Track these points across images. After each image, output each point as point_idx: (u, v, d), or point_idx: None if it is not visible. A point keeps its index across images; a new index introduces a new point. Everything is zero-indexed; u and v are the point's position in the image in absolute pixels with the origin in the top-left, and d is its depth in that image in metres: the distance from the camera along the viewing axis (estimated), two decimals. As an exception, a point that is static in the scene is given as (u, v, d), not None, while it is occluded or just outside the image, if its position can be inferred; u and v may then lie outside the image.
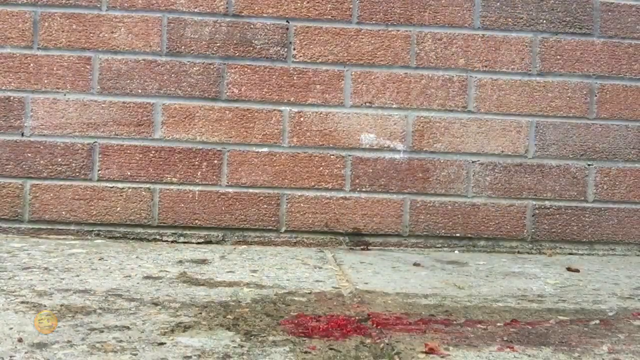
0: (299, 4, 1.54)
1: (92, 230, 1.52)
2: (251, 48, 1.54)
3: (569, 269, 1.29)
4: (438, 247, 1.54)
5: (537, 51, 1.56)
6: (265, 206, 1.53)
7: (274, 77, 1.54)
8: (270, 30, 1.54)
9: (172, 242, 1.51)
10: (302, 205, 1.53)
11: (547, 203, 1.56)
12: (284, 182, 1.54)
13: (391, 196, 1.54)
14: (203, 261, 1.24)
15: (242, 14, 1.54)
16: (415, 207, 1.54)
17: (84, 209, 1.52)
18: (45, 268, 1.08)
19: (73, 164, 1.52)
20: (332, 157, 1.54)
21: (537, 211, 1.56)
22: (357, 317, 0.81)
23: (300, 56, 1.54)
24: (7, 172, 1.51)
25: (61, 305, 0.82)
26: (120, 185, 1.52)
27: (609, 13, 1.57)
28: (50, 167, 1.52)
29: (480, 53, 1.55)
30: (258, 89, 1.54)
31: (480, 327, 0.78)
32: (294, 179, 1.54)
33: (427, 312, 0.86)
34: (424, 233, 1.54)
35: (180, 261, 1.23)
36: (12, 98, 1.52)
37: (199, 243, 1.51)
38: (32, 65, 1.52)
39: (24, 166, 1.52)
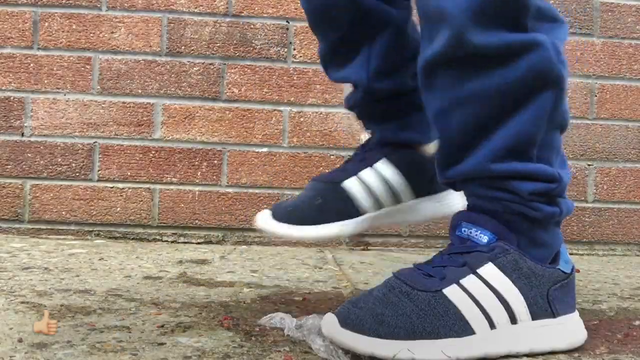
0: (299, 4, 1.54)
1: (92, 230, 1.52)
2: (251, 48, 1.54)
3: (569, 269, 1.29)
4: (438, 247, 1.53)
5: (537, 51, 1.56)
6: (265, 206, 1.53)
7: (274, 77, 1.54)
8: (270, 30, 1.54)
9: (172, 242, 1.51)
10: (302, 205, 1.53)
11: (547, 203, 1.56)
12: (284, 182, 1.54)
13: (391, 196, 1.54)
14: (203, 261, 1.24)
15: (242, 14, 1.54)
16: (415, 207, 1.54)
17: (84, 209, 1.52)
18: (45, 268, 1.08)
19: (73, 164, 1.52)
20: (332, 157, 1.54)
21: (537, 211, 1.56)
22: (357, 317, 0.80)
23: (300, 56, 1.54)
24: (7, 172, 1.51)
25: (61, 305, 0.82)
26: (120, 185, 1.52)
27: (609, 13, 1.57)
28: (50, 167, 1.52)
29: (480, 53, 1.55)
30: (258, 89, 1.54)
31: (480, 327, 0.78)
32: (294, 179, 1.54)
33: (427, 312, 0.86)
34: (424, 233, 1.54)
35: (180, 261, 1.23)
36: (12, 98, 1.52)
37: (199, 243, 1.51)
38: (32, 65, 1.52)
39: (24, 166, 1.52)
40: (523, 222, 0.68)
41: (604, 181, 1.57)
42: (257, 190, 1.54)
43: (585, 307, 0.92)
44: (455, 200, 0.83)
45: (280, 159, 1.54)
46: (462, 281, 0.65)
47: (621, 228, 1.57)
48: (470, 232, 0.68)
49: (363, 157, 0.82)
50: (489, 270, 0.65)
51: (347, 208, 0.78)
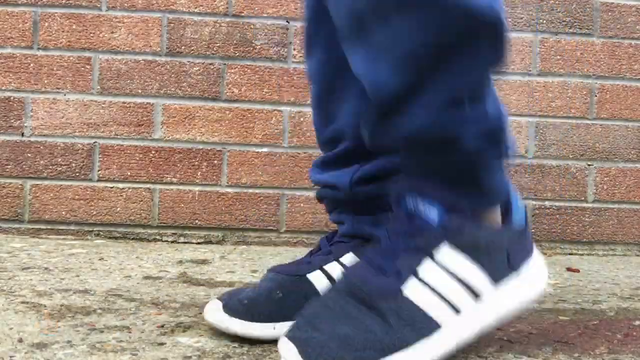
0: (299, 4, 1.54)
1: (92, 230, 1.52)
2: (251, 48, 1.54)
3: (568, 269, 1.29)
4: (438, 247, 1.53)
5: (537, 51, 1.56)
6: (265, 206, 1.54)
7: (274, 77, 1.54)
8: (270, 30, 1.54)
9: (172, 242, 1.51)
10: (302, 205, 1.54)
11: (547, 203, 1.56)
12: (284, 182, 1.54)
13: (391, 196, 1.54)
14: (203, 261, 1.24)
15: (242, 14, 1.54)
16: (415, 207, 1.54)
17: (84, 209, 1.52)
18: (45, 268, 1.08)
19: (73, 164, 1.52)
20: (332, 157, 1.54)
21: (537, 211, 1.56)
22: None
23: (300, 56, 1.54)
24: (7, 172, 1.51)
25: (61, 306, 0.82)
26: (120, 185, 1.52)
27: (609, 13, 1.57)
28: (50, 167, 1.52)
29: (480, 53, 1.55)
30: (258, 89, 1.54)
31: (480, 327, 0.78)
32: (294, 179, 1.54)
33: (427, 312, 0.86)
34: None
35: (180, 261, 1.23)
36: (12, 98, 1.52)
37: (199, 243, 1.51)
38: (32, 65, 1.52)
39: (24, 166, 1.52)
40: (469, 173, 0.63)
41: (604, 181, 1.57)
42: (257, 190, 1.54)
43: (585, 307, 0.92)
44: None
45: (280, 159, 1.54)
46: (420, 270, 0.60)
47: (621, 228, 1.57)
48: (417, 206, 0.63)
49: (329, 250, 0.78)
50: (446, 253, 0.61)
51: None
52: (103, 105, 1.53)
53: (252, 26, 1.54)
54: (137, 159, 1.53)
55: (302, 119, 1.54)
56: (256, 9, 1.54)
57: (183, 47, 1.54)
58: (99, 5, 1.53)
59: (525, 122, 1.56)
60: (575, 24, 1.57)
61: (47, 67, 1.52)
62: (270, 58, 1.54)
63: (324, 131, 0.82)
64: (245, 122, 1.54)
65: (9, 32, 1.52)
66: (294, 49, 1.54)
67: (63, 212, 1.52)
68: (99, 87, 1.53)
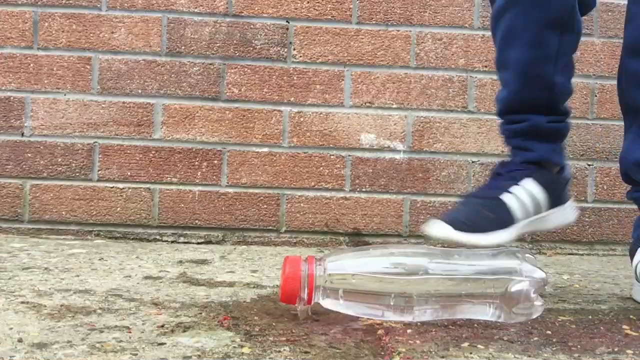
0: (299, 4, 1.54)
1: (92, 230, 1.52)
2: (251, 48, 1.54)
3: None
4: (438, 246, 1.53)
5: (537, 51, 1.56)
6: (265, 206, 1.54)
7: (274, 77, 1.54)
8: (270, 30, 1.54)
9: (172, 242, 1.51)
10: (302, 205, 1.54)
11: (547, 203, 1.56)
12: (284, 182, 1.54)
13: (391, 196, 1.54)
14: (203, 261, 1.24)
15: (242, 14, 1.54)
16: (415, 207, 1.54)
17: (84, 209, 1.52)
18: (45, 268, 1.08)
19: (73, 164, 1.52)
20: (332, 157, 1.54)
21: (537, 211, 1.56)
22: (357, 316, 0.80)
23: (300, 56, 1.54)
24: (7, 172, 1.51)
25: (61, 306, 0.82)
26: (120, 185, 1.52)
27: (609, 13, 1.57)
28: (50, 167, 1.52)
29: (480, 53, 1.55)
30: (258, 89, 1.54)
31: (480, 327, 0.78)
32: (294, 179, 1.54)
33: (427, 312, 0.86)
34: (425, 233, 1.54)
35: (180, 261, 1.23)
36: (12, 98, 1.52)
37: (199, 243, 1.51)
38: (32, 65, 1.52)
39: (24, 166, 1.52)
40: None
41: (604, 181, 1.57)
42: (257, 190, 1.54)
43: (585, 307, 0.92)
44: (571, 210, 1.05)
45: (280, 159, 1.54)
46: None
47: (621, 228, 1.57)
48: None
49: (511, 176, 0.99)
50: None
51: (507, 219, 0.96)
52: (103, 106, 1.53)
53: (252, 26, 1.54)
54: (137, 159, 1.53)
55: (302, 119, 1.54)
56: (256, 9, 1.54)
57: (183, 47, 1.54)
58: (99, 5, 1.53)
59: (525, 122, 1.55)
60: (575, 24, 1.56)
61: (47, 67, 1.52)
62: (270, 58, 1.54)
63: None
64: (245, 122, 1.54)
65: (9, 32, 1.52)
66: (294, 49, 1.54)
67: (63, 212, 1.52)
68: (98, 87, 1.53)
